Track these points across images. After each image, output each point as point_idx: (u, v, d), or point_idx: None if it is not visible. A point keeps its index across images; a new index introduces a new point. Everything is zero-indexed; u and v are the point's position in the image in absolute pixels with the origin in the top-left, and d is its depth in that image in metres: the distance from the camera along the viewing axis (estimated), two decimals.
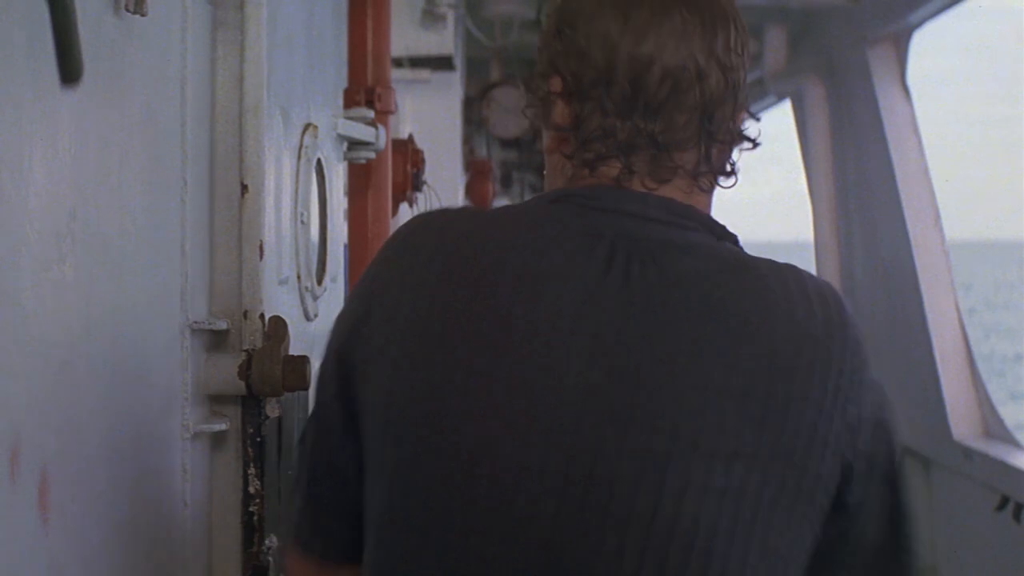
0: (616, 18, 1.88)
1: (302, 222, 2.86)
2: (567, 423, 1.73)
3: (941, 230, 7.21)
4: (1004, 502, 6.11)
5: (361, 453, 1.83)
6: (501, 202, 18.45)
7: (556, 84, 1.93)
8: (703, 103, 1.86)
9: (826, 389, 1.79)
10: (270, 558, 2.47)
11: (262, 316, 2.44)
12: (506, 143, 13.59)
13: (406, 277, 1.82)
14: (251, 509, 2.43)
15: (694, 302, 1.78)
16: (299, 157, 2.86)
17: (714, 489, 1.72)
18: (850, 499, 1.84)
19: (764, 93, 9.86)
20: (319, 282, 3.05)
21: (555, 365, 1.74)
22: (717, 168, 1.91)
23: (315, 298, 3.00)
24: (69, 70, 1.46)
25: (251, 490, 2.43)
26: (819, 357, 1.79)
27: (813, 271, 8.26)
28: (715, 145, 1.89)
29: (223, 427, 2.37)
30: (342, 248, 3.46)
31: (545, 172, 2.15)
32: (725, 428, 1.73)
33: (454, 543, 1.74)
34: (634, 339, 1.76)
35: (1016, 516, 5.98)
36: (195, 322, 2.27)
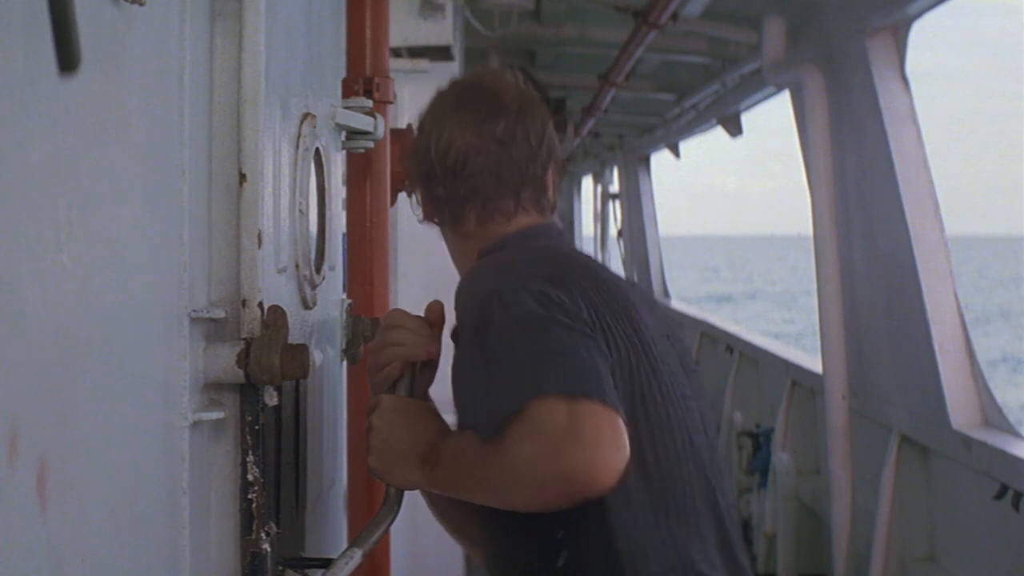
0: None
1: (300, 211, 2.86)
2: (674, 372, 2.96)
3: (940, 221, 7.22)
4: (1003, 491, 6.13)
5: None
6: None
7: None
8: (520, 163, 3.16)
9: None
10: (268, 546, 2.47)
11: (261, 305, 2.45)
12: None
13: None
14: (250, 497, 2.44)
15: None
16: (297, 146, 2.87)
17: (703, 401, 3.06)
18: None
19: (763, 84, 9.86)
20: (318, 271, 3.06)
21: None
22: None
23: (313, 287, 3.01)
24: (67, 58, 1.46)
25: (250, 478, 2.44)
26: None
27: (812, 262, 8.30)
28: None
29: (222, 415, 2.38)
30: (341, 237, 3.47)
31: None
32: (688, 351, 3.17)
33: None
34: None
35: (1015, 504, 6.00)
36: (194, 311, 2.27)
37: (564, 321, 2.63)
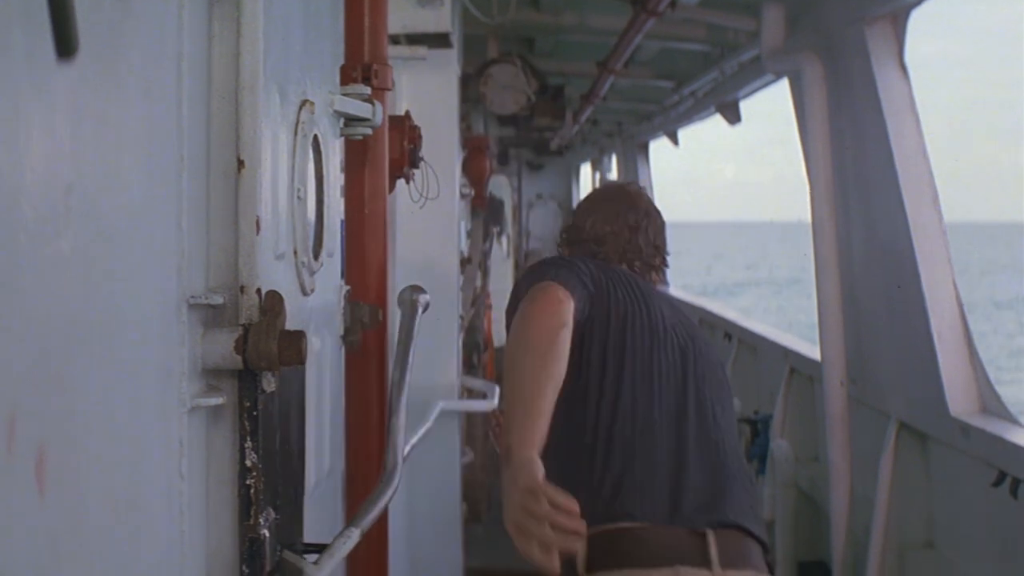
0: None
1: (299, 197, 2.87)
2: (666, 345, 4.08)
3: (939, 209, 7.22)
4: (1001, 477, 6.14)
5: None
6: (499, 179, 18.40)
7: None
8: (639, 245, 4.60)
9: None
10: (266, 531, 2.48)
11: (259, 291, 2.46)
12: (503, 120, 13.62)
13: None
14: (248, 482, 2.44)
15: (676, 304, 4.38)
16: (296, 133, 2.87)
17: (711, 374, 4.16)
18: None
19: (761, 72, 9.85)
20: (316, 257, 3.06)
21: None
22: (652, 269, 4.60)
23: (311, 273, 3.01)
24: (65, 44, 1.46)
25: (248, 463, 2.44)
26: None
27: (811, 250, 8.30)
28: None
29: (220, 401, 2.38)
30: (339, 224, 3.47)
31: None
32: (710, 347, 4.22)
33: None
34: (672, 316, 4.19)
35: (1013, 491, 6.01)
36: (192, 297, 2.28)
37: (566, 264, 4.06)
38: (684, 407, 3.94)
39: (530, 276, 3.95)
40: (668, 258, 4.61)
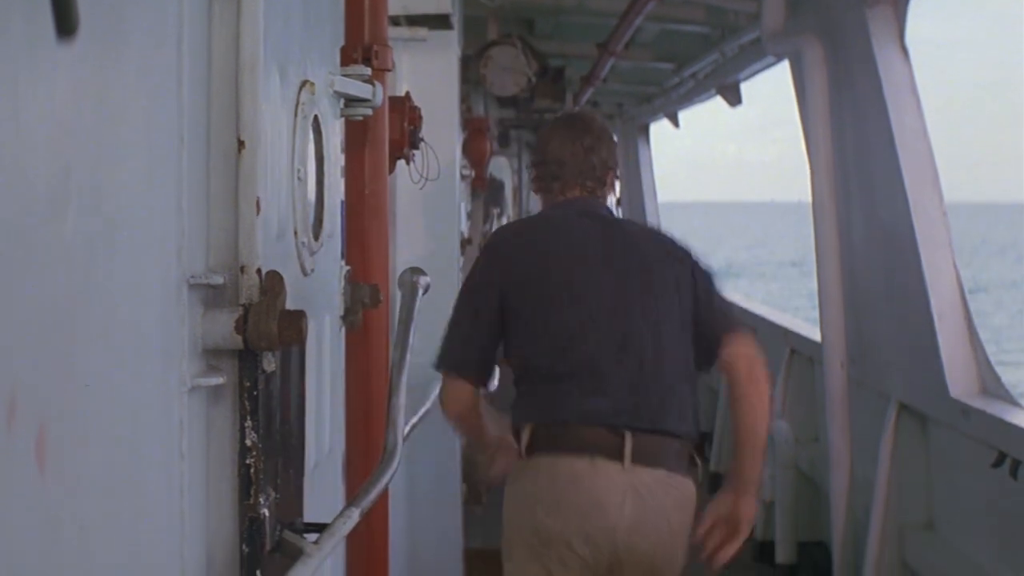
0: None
1: (299, 178, 2.87)
2: (601, 289, 4.96)
3: (939, 191, 7.23)
4: (1001, 458, 6.16)
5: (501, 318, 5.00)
6: (499, 160, 18.36)
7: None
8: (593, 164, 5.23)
9: (685, 263, 5.00)
10: (266, 511, 2.49)
11: (259, 271, 2.46)
12: (504, 101, 13.62)
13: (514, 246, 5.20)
14: (248, 462, 2.45)
15: (637, 238, 5.15)
16: (296, 114, 2.87)
17: (661, 303, 4.93)
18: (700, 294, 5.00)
19: (762, 53, 9.85)
20: (316, 237, 3.06)
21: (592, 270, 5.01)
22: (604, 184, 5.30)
23: (312, 253, 3.01)
24: (65, 23, 1.46)
25: (248, 443, 2.44)
26: (678, 254, 5.05)
27: (811, 231, 8.30)
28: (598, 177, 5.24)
29: (220, 381, 2.39)
30: (339, 204, 3.47)
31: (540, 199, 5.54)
32: (663, 277, 4.96)
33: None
34: (620, 255, 4.99)
35: (1012, 472, 6.03)
36: (192, 277, 2.28)
37: (471, 301, 5.17)
38: (620, 331, 4.94)
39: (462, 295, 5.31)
40: (617, 171, 5.60)
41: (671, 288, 4.99)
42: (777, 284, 72.09)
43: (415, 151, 5.03)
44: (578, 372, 4.87)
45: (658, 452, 4.79)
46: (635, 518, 4.74)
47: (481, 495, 10.87)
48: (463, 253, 9.38)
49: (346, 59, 3.99)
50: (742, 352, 5.03)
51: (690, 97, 14.89)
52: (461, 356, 5.07)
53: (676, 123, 17.68)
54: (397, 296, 3.98)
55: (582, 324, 4.93)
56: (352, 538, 3.11)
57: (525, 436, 4.87)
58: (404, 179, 6.43)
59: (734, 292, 15.43)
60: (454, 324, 5.10)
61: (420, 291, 3.85)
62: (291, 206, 2.82)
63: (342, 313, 3.58)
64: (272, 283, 2.45)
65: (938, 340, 6.95)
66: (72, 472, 1.71)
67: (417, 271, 3.88)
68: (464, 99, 10.63)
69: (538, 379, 4.95)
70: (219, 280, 2.39)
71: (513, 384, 5.07)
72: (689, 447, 4.92)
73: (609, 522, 4.73)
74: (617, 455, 4.73)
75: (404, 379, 3.43)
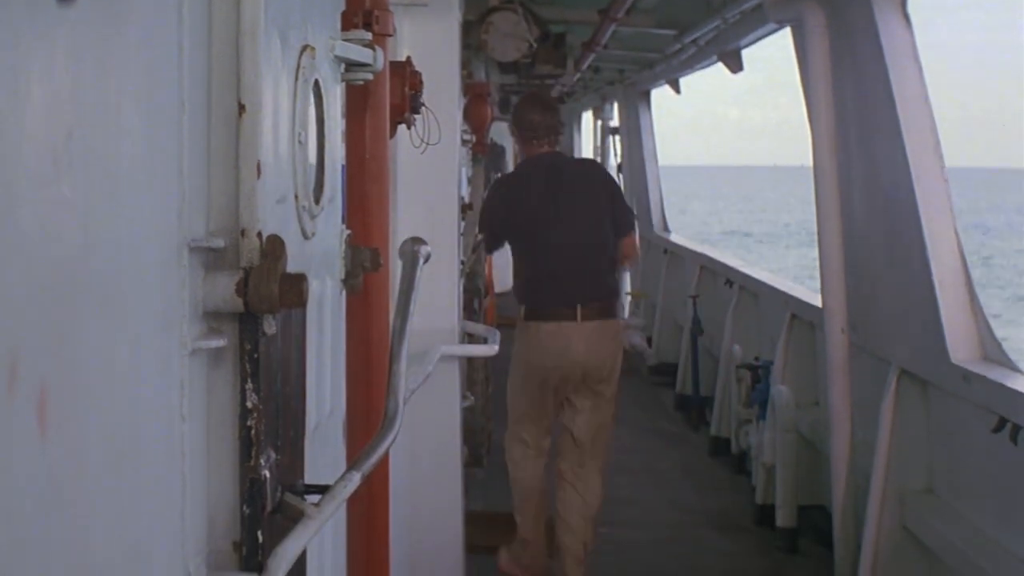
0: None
1: (300, 142, 2.87)
2: (561, 213, 8.55)
3: (941, 157, 7.23)
4: (1001, 424, 6.17)
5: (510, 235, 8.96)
6: (500, 126, 18.33)
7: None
8: (554, 125, 8.97)
9: (608, 183, 9.06)
10: (267, 472, 2.50)
11: (260, 234, 2.46)
12: (505, 67, 13.60)
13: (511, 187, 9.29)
14: (248, 424, 2.46)
15: (583, 168, 9.45)
16: (296, 78, 2.87)
17: (596, 212, 8.64)
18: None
19: (764, 20, 9.84)
20: (316, 201, 3.07)
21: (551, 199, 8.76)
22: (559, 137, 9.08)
23: (312, 217, 3.02)
24: None
25: (248, 405, 2.45)
26: (604, 176, 9.28)
27: (812, 195, 8.30)
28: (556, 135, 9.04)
29: (221, 343, 2.40)
30: (340, 168, 3.48)
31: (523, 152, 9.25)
32: (597, 194, 8.73)
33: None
34: (571, 184, 8.71)
35: (1013, 438, 6.05)
36: (193, 240, 2.29)
37: (497, 208, 8.94)
38: (569, 241, 8.44)
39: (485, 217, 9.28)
40: (562, 126, 9.16)
41: (604, 200, 8.63)
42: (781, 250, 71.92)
43: (416, 116, 5.03)
44: (551, 270, 8.45)
45: (595, 312, 8.43)
46: (587, 350, 8.38)
47: (482, 458, 10.89)
48: (464, 218, 9.40)
49: (347, 24, 3.98)
50: (630, 241, 8.75)
51: (691, 64, 14.88)
52: (494, 245, 9.17)
53: (677, 89, 17.67)
54: (397, 261, 3.99)
55: (554, 239, 8.46)
56: (353, 501, 3.12)
57: (522, 310, 8.59)
58: (405, 144, 6.44)
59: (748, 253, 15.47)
60: (487, 229, 9.12)
61: (421, 260, 3.85)
62: (292, 170, 2.82)
63: (343, 276, 3.58)
64: (273, 246, 2.46)
65: (939, 305, 6.96)
66: (73, 435, 1.72)
67: (418, 240, 3.89)
68: (465, 65, 10.62)
69: (529, 275, 8.60)
70: (220, 243, 2.39)
71: (513, 275, 8.84)
72: (610, 301, 8.63)
73: (573, 355, 8.37)
74: (573, 318, 8.35)
75: (405, 347, 3.43)
